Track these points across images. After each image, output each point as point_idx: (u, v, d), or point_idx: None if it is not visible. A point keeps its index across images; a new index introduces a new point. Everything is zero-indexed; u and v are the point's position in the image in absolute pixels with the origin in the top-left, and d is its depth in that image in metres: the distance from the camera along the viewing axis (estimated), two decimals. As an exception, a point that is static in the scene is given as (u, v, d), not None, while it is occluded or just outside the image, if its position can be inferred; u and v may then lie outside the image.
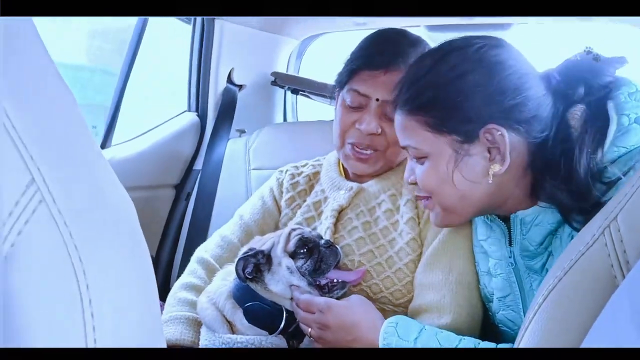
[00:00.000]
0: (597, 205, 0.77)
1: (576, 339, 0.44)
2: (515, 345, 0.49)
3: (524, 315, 0.99)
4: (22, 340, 0.37)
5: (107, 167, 0.48)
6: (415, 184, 0.98)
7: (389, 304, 1.13)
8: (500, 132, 0.86)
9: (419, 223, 1.16)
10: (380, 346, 0.95)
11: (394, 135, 1.09)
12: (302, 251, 1.08)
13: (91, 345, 0.39)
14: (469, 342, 0.93)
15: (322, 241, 1.10)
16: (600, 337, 0.38)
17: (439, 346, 0.92)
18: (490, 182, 0.89)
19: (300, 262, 1.08)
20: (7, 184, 0.38)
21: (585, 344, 0.39)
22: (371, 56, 1.16)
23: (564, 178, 0.84)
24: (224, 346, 1.03)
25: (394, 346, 0.93)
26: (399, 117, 0.96)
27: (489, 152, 0.88)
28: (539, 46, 1.76)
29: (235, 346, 1.03)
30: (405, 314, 1.09)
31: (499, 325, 1.07)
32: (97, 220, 0.43)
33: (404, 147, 0.98)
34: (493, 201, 0.93)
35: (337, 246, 1.12)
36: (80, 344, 0.39)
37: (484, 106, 0.87)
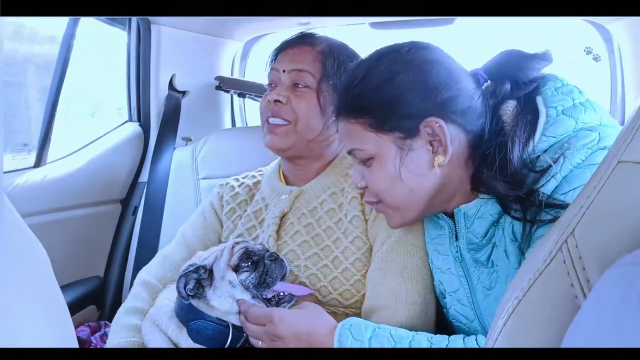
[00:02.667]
0: (531, 193, 0.86)
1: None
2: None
3: (474, 308, 1.02)
4: None
5: (10, 209, 0.41)
6: (365, 188, 1.00)
7: (339, 305, 1.12)
8: (438, 124, 0.91)
9: (366, 220, 1.15)
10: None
11: (302, 108, 1.19)
12: (246, 264, 1.05)
13: None
14: (421, 337, 0.95)
15: (268, 253, 1.08)
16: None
17: (392, 344, 0.93)
18: (437, 174, 0.93)
19: (244, 276, 1.05)
20: None
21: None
22: (285, 42, 1.27)
23: (499, 168, 0.89)
24: None
25: (348, 347, 0.94)
26: (341, 124, 1.00)
27: (431, 144, 0.93)
28: (482, 40, 1.77)
29: None
30: (357, 315, 1.08)
31: (452, 320, 1.08)
32: (6, 273, 0.37)
33: (349, 153, 1.00)
34: (441, 195, 0.96)
35: (283, 259, 1.09)
36: None
37: (419, 102, 0.92)
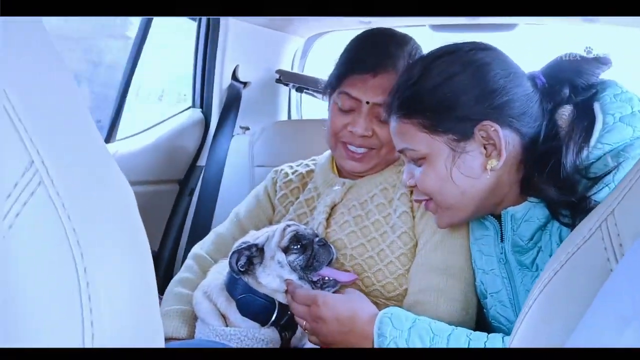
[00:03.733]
0: (583, 200, 0.85)
1: (572, 331, 0.44)
2: (512, 337, 0.49)
3: (516, 311, 1.01)
4: (19, 322, 0.37)
5: (108, 155, 0.48)
6: (415, 186, 1.00)
7: (380, 297, 1.14)
8: (494, 128, 0.90)
9: (414, 217, 1.17)
10: (375, 335, 0.96)
11: (386, 136, 1.13)
12: (295, 247, 1.09)
13: (88, 328, 0.39)
14: (460, 332, 0.95)
15: (317, 239, 1.11)
16: (595, 323, 0.38)
17: (431, 336, 0.94)
18: (488, 177, 0.92)
19: (292, 257, 1.09)
20: (6, 166, 0.39)
21: (577, 332, 0.39)
22: (359, 60, 1.16)
23: (551, 173, 0.88)
24: (217, 339, 1.04)
25: (387, 336, 0.94)
26: (393, 123, 0.99)
27: (485, 148, 0.92)
28: (542, 46, 1.76)
29: (228, 338, 1.04)
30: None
31: (492, 321, 1.08)
32: (96, 204, 0.43)
33: (400, 151, 1.01)
34: (492, 197, 0.96)
35: (331, 245, 1.13)
36: (77, 328, 0.39)
37: (475, 105, 0.91)
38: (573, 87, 0.94)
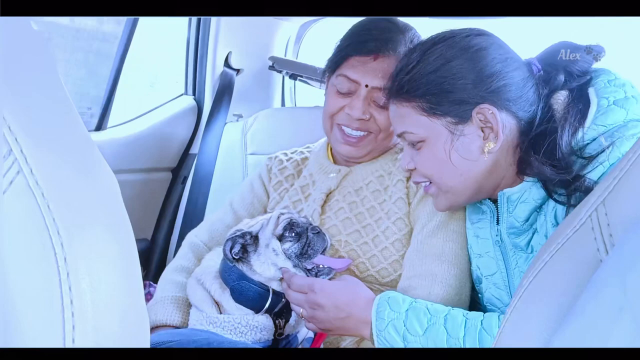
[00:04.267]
0: (578, 178, 0.88)
1: (561, 322, 0.43)
2: (502, 324, 0.49)
3: (510, 292, 1.04)
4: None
5: (91, 143, 0.47)
6: (413, 170, 1.02)
7: (375, 282, 1.15)
8: (491, 111, 0.93)
9: (409, 203, 1.17)
10: (373, 318, 0.97)
11: (384, 121, 1.17)
12: (290, 235, 1.09)
13: (68, 319, 0.39)
14: (457, 312, 0.96)
15: (311, 227, 1.11)
16: (587, 312, 0.38)
17: (429, 316, 0.95)
18: (486, 159, 0.95)
19: (287, 245, 1.09)
20: (-16, 155, 0.38)
21: (568, 323, 0.39)
22: (361, 43, 1.17)
23: (546, 153, 0.91)
24: (210, 326, 1.05)
25: (385, 318, 0.96)
26: (393, 106, 1.02)
27: (483, 131, 0.95)
28: (541, 31, 1.75)
29: (221, 325, 1.04)
30: None
31: (487, 304, 1.10)
32: (77, 193, 0.42)
33: (399, 135, 1.02)
34: (489, 180, 0.98)
35: (325, 233, 1.13)
36: (57, 318, 0.39)
37: (473, 88, 0.94)
38: (568, 73, 0.98)
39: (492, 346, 0.48)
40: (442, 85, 0.95)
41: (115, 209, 0.46)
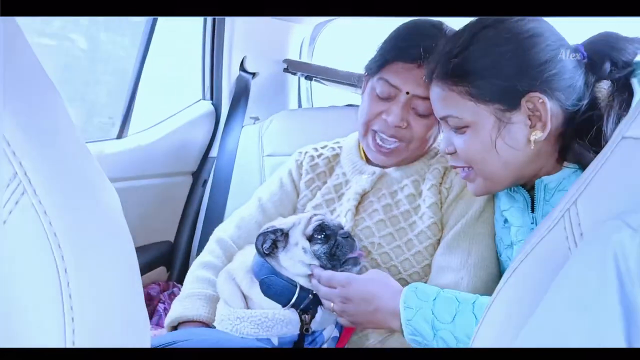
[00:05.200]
0: None
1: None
2: (477, 326, 0.51)
3: None
4: (5, 320, 0.41)
5: (91, 159, 0.51)
6: (453, 153, 1.01)
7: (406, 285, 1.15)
8: (541, 100, 0.91)
9: (441, 208, 1.18)
10: (401, 308, 0.98)
11: (419, 129, 1.16)
12: (319, 236, 1.11)
13: (69, 336, 0.42)
14: (485, 299, 0.96)
15: (341, 231, 1.13)
16: (554, 306, 0.40)
17: (457, 304, 0.95)
18: (532, 148, 0.94)
19: (316, 247, 1.11)
20: (-8, 178, 0.42)
21: (534, 319, 0.41)
22: (406, 48, 1.14)
23: (592, 139, 0.91)
24: (239, 320, 1.08)
25: (414, 307, 0.97)
26: (437, 89, 1.00)
27: (530, 119, 0.93)
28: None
29: (249, 319, 1.07)
30: None
31: None
32: (77, 210, 0.46)
33: (442, 118, 1.01)
34: (531, 168, 0.98)
35: (355, 239, 1.14)
36: (59, 333, 0.42)
37: (524, 76, 0.92)
38: (613, 63, 0.95)
39: (469, 346, 0.50)
40: (492, 70, 0.92)
41: (114, 223, 0.50)
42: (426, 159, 1.25)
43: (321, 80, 2.12)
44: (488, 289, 1.08)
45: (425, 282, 1.13)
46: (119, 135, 1.73)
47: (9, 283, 0.42)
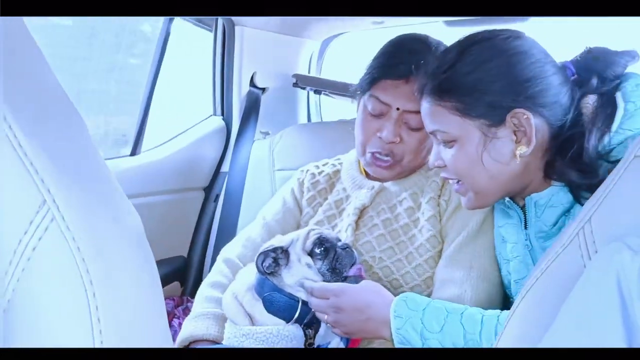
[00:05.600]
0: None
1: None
2: (496, 341, 0.52)
3: None
4: (31, 344, 0.42)
5: (113, 181, 0.52)
6: (442, 167, 1.03)
7: None
8: (526, 116, 0.93)
9: (440, 220, 1.19)
10: (392, 317, 1.00)
11: (413, 144, 1.18)
12: (318, 250, 1.13)
13: (97, 343, 0.44)
14: (474, 310, 0.98)
15: (340, 243, 1.14)
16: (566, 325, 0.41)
17: (446, 314, 0.97)
18: (517, 162, 0.96)
19: (318, 263, 1.12)
20: (22, 205, 0.44)
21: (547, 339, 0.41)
22: (392, 66, 1.18)
23: (573, 157, 0.92)
24: (244, 337, 1.09)
25: (403, 317, 0.99)
26: (426, 104, 1.02)
27: (515, 134, 0.95)
28: (555, 40, 1.74)
29: (254, 336, 1.09)
30: None
31: None
32: (103, 234, 0.48)
33: (431, 133, 1.03)
34: (518, 182, 0.99)
35: (354, 250, 1.15)
36: (87, 342, 0.44)
37: (509, 92, 0.94)
38: (601, 78, 0.97)
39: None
40: (478, 87, 0.95)
41: (139, 245, 0.52)
42: (424, 172, 1.26)
43: (330, 94, 2.14)
44: (492, 302, 1.09)
45: (427, 295, 1.13)
46: (133, 152, 1.75)
47: (40, 310, 0.43)
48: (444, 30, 1.93)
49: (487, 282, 1.10)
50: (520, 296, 0.50)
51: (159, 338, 0.49)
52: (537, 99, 0.93)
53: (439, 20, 1.90)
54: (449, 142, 1.00)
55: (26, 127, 0.45)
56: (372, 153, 1.23)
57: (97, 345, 0.43)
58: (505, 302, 1.14)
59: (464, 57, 0.96)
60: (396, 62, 1.18)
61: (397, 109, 1.18)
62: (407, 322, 0.99)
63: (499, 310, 0.98)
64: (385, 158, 1.22)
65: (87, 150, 0.51)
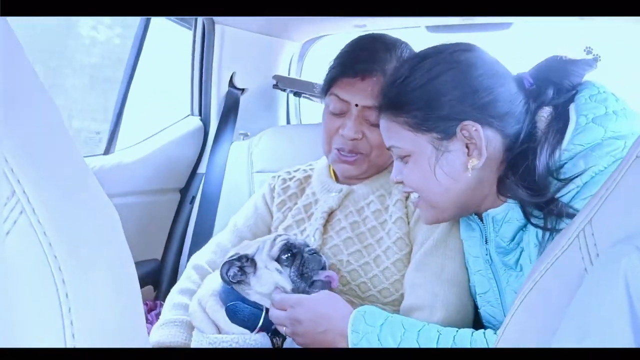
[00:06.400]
0: (552, 202, 0.86)
1: (551, 337, 0.44)
2: (495, 342, 0.50)
3: (504, 310, 1.03)
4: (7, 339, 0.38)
5: (91, 176, 0.49)
6: (402, 182, 1.03)
7: (377, 302, 1.15)
8: (475, 128, 0.92)
9: (408, 222, 1.18)
10: (349, 332, 0.99)
11: (376, 139, 1.17)
12: (285, 256, 1.11)
13: (69, 338, 0.40)
14: (431, 327, 0.98)
15: (307, 248, 1.13)
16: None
17: (403, 331, 0.97)
18: (469, 175, 0.95)
19: (286, 270, 1.11)
20: (-11, 197, 0.40)
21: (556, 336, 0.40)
22: (347, 64, 1.21)
23: (522, 174, 0.91)
24: (210, 345, 1.07)
25: (360, 332, 0.98)
26: (382, 120, 1.03)
27: (467, 147, 0.94)
28: (539, 44, 1.76)
29: (220, 345, 1.06)
30: (394, 312, 1.11)
31: (484, 322, 1.10)
32: (77, 230, 0.44)
33: (388, 149, 1.04)
34: (473, 196, 0.98)
35: (321, 254, 1.14)
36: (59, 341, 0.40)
37: (458, 104, 0.93)
38: (558, 88, 0.97)
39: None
40: (427, 100, 0.94)
41: (115, 242, 0.48)
42: (389, 173, 1.26)
43: (310, 97, 2.12)
44: (462, 304, 1.08)
45: (396, 298, 1.14)
46: (106, 151, 1.70)
47: (7, 311, 0.39)
48: (427, 36, 1.94)
49: (457, 287, 1.09)
50: (519, 300, 0.48)
51: (136, 341, 0.46)
52: (487, 110, 0.92)
53: (421, 25, 1.91)
54: (404, 157, 1.00)
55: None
56: (337, 150, 1.24)
57: (70, 342, 0.40)
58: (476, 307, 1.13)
59: (414, 72, 0.96)
60: (352, 60, 1.20)
61: (356, 105, 1.19)
62: (363, 337, 0.97)
63: (455, 329, 0.97)
64: (349, 155, 1.22)
65: (62, 142, 0.47)
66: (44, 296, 0.40)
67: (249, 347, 1.06)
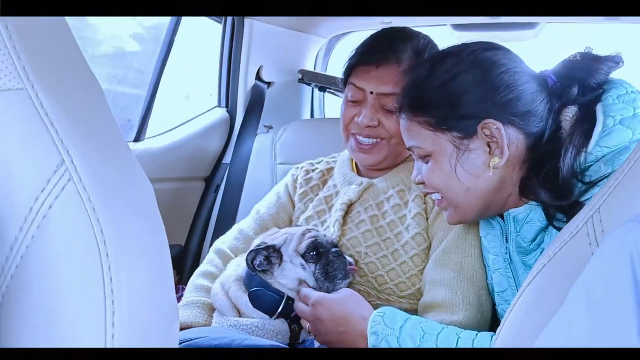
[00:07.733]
0: (575, 205, 0.83)
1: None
2: (500, 327, 0.52)
3: None
4: (43, 299, 0.43)
5: (129, 151, 0.53)
6: (423, 183, 1.03)
7: (393, 295, 1.17)
8: (496, 126, 0.91)
9: (427, 218, 1.19)
10: (368, 334, 0.98)
11: (393, 126, 1.19)
12: (311, 254, 1.14)
13: (109, 311, 0.44)
14: (450, 330, 0.96)
15: (333, 249, 1.15)
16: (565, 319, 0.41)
17: (422, 334, 0.96)
18: (491, 174, 0.94)
19: (311, 266, 1.14)
20: (40, 164, 0.44)
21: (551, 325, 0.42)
22: (365, 53, 1.25)
23: (545, 176, 0.89)
24: (231, 327, 1.11)
25: (380, 334, 0.97)
26: (402, 121, 1.03)
27: (488, 146, 0.94)
28: (565, 44, 1.75)
29: (240, 328, 1.10)
30: (410, 306, 1.13)
31: (500, 319, 1.09)
32: (118, 197, 0.48)
33: (409, 149, 1.04)
34: (496, 196, 0.97)
35: (346, 256, 1.16)
36: (99, 310, 0.44)
37: (479, 103, 0.93)
38: (583, 86, 0.95)
39: (491, 346, 0.51)
40: (448, 100, 0.94)
41: (150, 212, 0.52)
42: (410, 167, 1.26)
43: (335, 92, 2.14)
44: (481, 303, 1.08)
45: (412, 292, 1.14)
46: (137, 138, 1.76)
47: (52, 267, 0.43)
48: (452, 34, 1.95)
49: (476, 284, 1.09)
50: (527, 282, 0.51)
51: (167, 306, 0.49)
52: (509, 108, 0.91)
53: (447, 24, 1.92)
54: (424, 157, 0.99)
55: (48, 89, 0.46)
56: (355, 137, 1.26)
57: (108, 305, 0.44)
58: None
59: (435, 71, 0.96)
60: (369, 49, 1.25)
61: (371, 92, 1.21)
62: (382, 340, 0.97)
63: (474, 333, 0.96)
64: (366, 140, 1.24)
65: (105, 118, 0.52)
66: (87, 255, 0.44)
67: (267, 331, 1.10)
